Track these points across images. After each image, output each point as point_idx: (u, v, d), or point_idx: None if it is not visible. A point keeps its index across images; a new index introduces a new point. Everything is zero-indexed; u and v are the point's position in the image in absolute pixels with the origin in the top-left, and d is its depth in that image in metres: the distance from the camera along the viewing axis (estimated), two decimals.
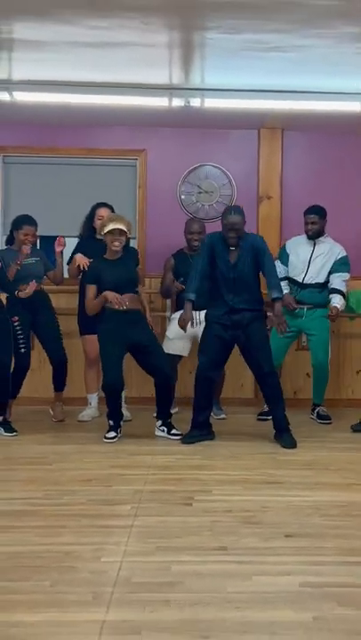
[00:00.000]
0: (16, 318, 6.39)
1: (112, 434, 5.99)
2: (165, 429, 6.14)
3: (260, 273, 6.10)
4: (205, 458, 5.60)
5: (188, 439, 6.01)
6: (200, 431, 6.08)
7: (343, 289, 6.80)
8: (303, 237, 6.97)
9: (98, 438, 6.06)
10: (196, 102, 6.47)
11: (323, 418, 6.91)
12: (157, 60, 5.65)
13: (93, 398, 6.95)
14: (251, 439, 6.18)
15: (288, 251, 6.96)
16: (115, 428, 6.03)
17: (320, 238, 6.91)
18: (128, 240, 6.22)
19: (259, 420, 6.85)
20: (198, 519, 4.27)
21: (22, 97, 6.43)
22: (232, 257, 6.00)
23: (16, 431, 6.23)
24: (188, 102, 6.45)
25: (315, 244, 6.91)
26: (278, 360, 6.78)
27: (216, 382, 6.41)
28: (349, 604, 3.22)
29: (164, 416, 6.19)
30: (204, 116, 7.05)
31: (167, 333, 6.89)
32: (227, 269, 5.99)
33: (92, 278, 6.06)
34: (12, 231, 6.70)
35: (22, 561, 3.66)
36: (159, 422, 6.20)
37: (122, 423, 6.16)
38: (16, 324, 6.41)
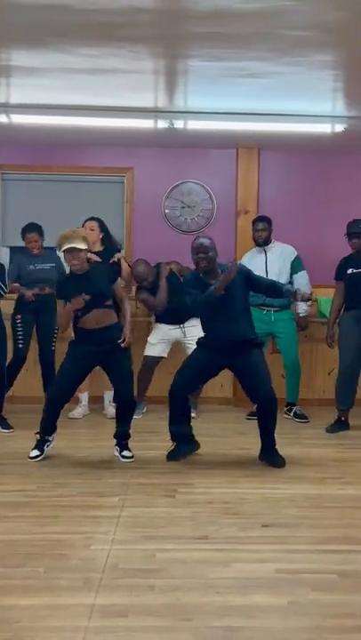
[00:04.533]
0: (19, 317, 6.62)
1: (34, 452, 5.28)
2: (118, 449, 5.40)
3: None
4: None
5: (173, 456, 5.39)
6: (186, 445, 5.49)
7: (309, 290, 6.47)
8: (254, 250, 7.01)
9: (88, 434, 6.04)
10: (179, 124, 6.46)
11: (300, 417, 6.86)
12: (144, 86, 5.64)
13: (84, 397, 6.93)
14: (230, 436, 6.18)
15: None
16: (40, 444, 5.32)
17: (269, 245, 6.93)
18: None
19: (248, 419, 6.57)
20: (181, 510, 4.27)
21: (19, 119, 6.41)
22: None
23: (12, 427, 6.20)
24: (172, 124, 6.44)
25: (265, 252, 6.91)
26: None
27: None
28: (322, 589, 3.23)
29: (120, 436, 5.44)
30: (186, 137, 7.04)
31: (149, 339, 6.91)
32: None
33: (60, 294, 5.33)
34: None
35: (17, 548, 3.65)
36: (115, 441, 5.44)
37: (51, 440, 5.38)
38: (18, 321, 6.63)
